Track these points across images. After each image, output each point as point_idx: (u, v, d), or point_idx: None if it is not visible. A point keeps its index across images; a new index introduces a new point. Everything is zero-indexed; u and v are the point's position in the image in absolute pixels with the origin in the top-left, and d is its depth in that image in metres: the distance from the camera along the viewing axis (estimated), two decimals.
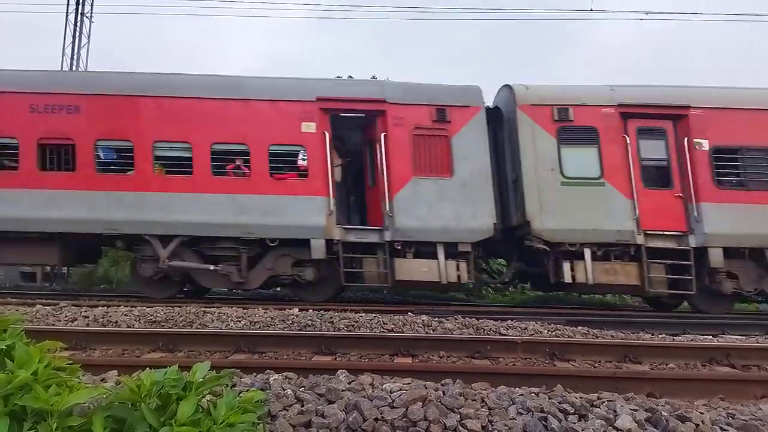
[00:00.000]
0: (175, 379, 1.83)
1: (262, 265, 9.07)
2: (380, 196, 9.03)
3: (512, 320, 6.37)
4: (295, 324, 6.00)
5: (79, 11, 19.07)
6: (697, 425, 2.55)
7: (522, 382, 3.61)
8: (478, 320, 6.22)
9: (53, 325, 5.92)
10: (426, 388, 2.88)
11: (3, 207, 8.67)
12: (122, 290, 12.60)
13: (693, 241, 8.87)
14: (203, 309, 6.70)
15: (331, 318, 6.20)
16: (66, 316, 6.34)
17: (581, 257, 8.86)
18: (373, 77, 10.06)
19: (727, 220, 8.79)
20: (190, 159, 8.94)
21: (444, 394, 2.78)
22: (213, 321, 6.19)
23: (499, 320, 6.28)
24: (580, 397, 2.88)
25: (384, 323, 6.07)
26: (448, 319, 6.28)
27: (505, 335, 5.60)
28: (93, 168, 8.91)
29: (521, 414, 2.62)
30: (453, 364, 4.71)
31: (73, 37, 19.01)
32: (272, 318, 6.28)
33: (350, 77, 10.02)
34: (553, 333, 5.90)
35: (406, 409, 2.53)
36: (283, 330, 5.72)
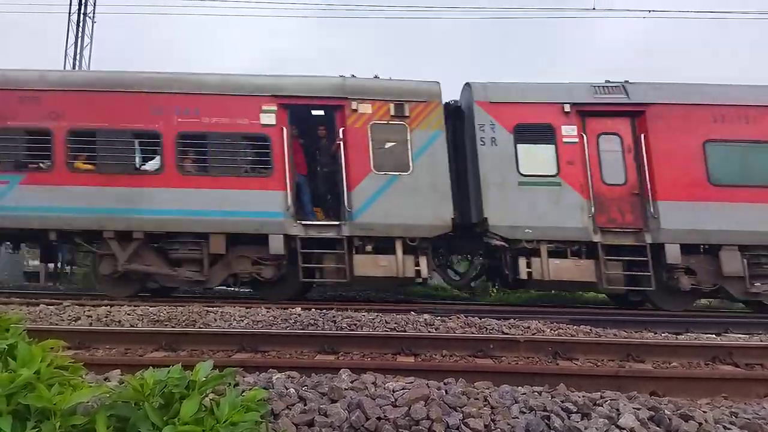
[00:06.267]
0: (178, 378, 1.83)
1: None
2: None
3: (515, 319, 6.36)
4: (298, 323, 6.00)
5: (82, 11, 19.10)
6: (700, 424, 2.55)
7: (524, 380, 3.60)
8: (480, 319, 6.21)
9: (56, 324, 5.94)
10: (428, 387, 2.87)
11: None
12: None
13: None
14: (206, 308, 6.72)
15: (333, 317, 6.20)
16: (69, 316, 6.37)
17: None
18: (376, 76, 10.03)
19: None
20: None
21: (446, 392, 2.78)
22: (216, 320, 6.20)
23: (502, 319, 6.27)
24: (583, 396, 2.88)
25: (386, 322, 6.07)
26: (450, 318, 6.28)
27: (507, 334, 5.59)
28: None
29: (524, 413, 2.62)
30: (455, 363, 4.70)
31: (76, 37, 19.01)
32: (275, 317, 6.29)
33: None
34: (556, 332, 5.89)
35: (409, 408, 2.54)
36: (286, 329, 5.72)
